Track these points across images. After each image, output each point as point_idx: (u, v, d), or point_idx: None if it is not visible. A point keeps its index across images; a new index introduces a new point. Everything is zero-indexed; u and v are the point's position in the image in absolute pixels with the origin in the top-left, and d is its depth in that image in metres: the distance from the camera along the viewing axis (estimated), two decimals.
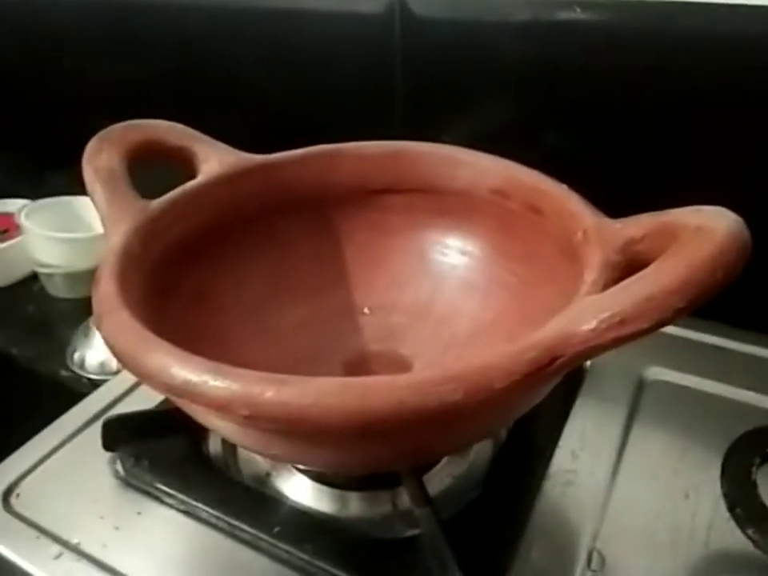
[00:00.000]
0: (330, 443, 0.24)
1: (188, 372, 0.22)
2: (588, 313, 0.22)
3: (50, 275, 0.61)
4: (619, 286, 0.23)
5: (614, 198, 0.41)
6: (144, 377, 0.24)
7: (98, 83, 0.66)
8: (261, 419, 0.22)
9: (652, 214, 0.27)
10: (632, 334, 0.21)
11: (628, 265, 0.27)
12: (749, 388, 0.37)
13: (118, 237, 0.31)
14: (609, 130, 0.45)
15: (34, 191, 0.66)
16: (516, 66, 0.46)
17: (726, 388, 0.38)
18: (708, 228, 0.22)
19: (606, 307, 0.22)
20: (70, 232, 0.59)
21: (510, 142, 0.49)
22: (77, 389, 0.51)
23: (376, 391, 0.21)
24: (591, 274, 0.26)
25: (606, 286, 0.26)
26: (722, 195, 0.40)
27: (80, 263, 0.59)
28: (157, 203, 0.34)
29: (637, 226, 0.27)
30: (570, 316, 0.23)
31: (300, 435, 0.23)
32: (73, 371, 0.52)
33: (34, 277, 0.63)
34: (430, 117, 0.51)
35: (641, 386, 0.39)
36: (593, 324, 0.22)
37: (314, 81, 0.54)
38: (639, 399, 0.38)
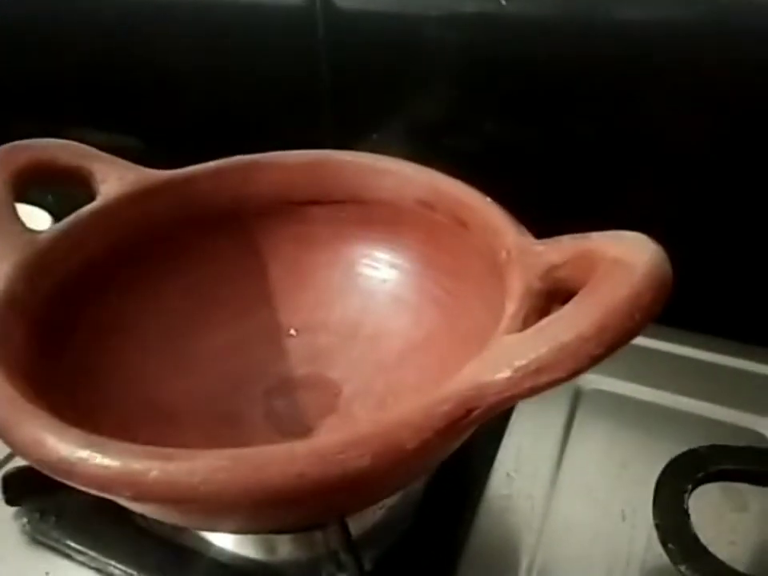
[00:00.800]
0: (227, 515, 0.22)
1: (63, 448, 0.20)
2: (503, 360, 0.21)
3: None
4: (536, 328, 0.21)
5: (551, 194, 0.40)
6: (17, 450, 0.21)
7: (27, 77, 0.61)
8: (147, 500, 0.19)
9: (574, 237, 0.25)
10: (548, 383, 0.20)
11: (550, 292, 0.25)
12: (692, 396, 0.37)
13: None
14: (544, 122, 0.44)
15: None
16: (443, 57, 0.44)
17: (667, 396, 0.37)
18: (626, 263, 0.21)
19: (522, 354, 0.20)
20: None
21: (442, 136, 0.47)
22: None
23: (272, 463, 0.19)
24: (511, 304, 0.25)
25: (527, 318, 0.24)
26: (659, 192, 0.39)
27: None
28: (46, 235, 0.31)
29: (558, 251, 0.25)
30: (484, 362, 0.21)
31: (194, 510, 0.21)
32: None
33: None
34: (358, 113, 0.49)
35: (577, 396, 0.38)
36: (507, 373, 0.20)
37: (236, 79, 0.51)
38: (575, 410, 0.37)
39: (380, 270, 0.38)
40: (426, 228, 0.35)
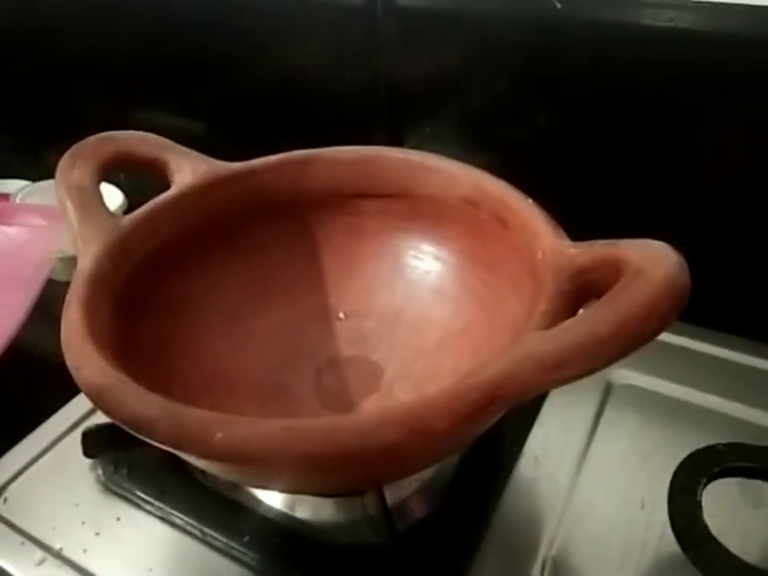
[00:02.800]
0: (279, 476, 0.25)
1: (141, 411, 0.24)
2: (527, 354, 0.23)
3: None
4: (560, 327, 0.24)
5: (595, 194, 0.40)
6: (103, 410, 0.25)
7: (97, 61, 0.65)
8: (211, 458, 0.23)
9: (605, 242, 0.27)
10: (567, 378, 0.22)
11: (579, 294, 0.27)
12: (717, 394, 0.38)
13: (88, 259, 0.31)
14: (595, 120, 0.45)
15: (33, 172, 0.67)
16: (501, 56, 0.45)
17: (694, 393, 0.38)
18: (647, 272, 0.23)
19: (544, 350, 0.22)
20: None
21: (496, 134, 0.49)
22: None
23: (318, 435, 0.22)
24: (543, 303, 0.27)
25: (556, 316, 0.26)
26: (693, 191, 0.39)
27: None
28: (127, 220, 0.34)
29: (589, 255, 0.27)
30: (511, 355, 0.23)
31: (250, 469, 0.24)
32: None
33: None
34: (413, 107, 0.51)
35: (608, 390, 0.39)
36: (530, 366, 0.22)
37: (295, 74, 0.54)
38: (605, 403, 0.39)
39: (424, 261, 0.40)
40: (469, 225, 0.37)
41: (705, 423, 0.36)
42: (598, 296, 0.27)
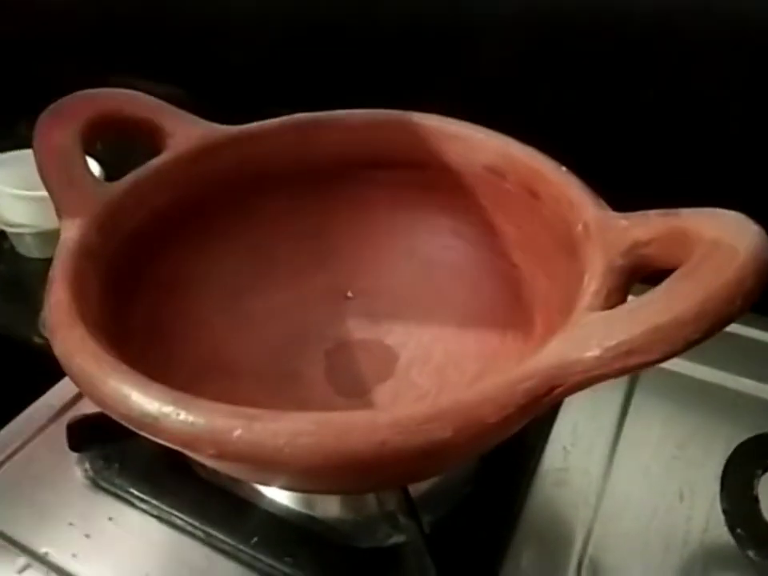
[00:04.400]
0: (305, 476, 0.22)
1: (148, 404, 0.20)
2: (592, 338, 0.20)
3: (19, 234, 0.58)
4: (626, 308, 0.21)
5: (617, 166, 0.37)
6: (100, 405, 0.21)
7: (74, 22, 0.60)
8: (229, 458, 0.20)
9: (662, 212, 0.24)
10: (639, 365, 0.19)
11: (632, 269, 0.24)
12: (751, 377, 0.36)
13: (73, 231, 0.28)
14: (611, 88, 0.42)
15: (2, 142, 0.62)
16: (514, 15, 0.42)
17: (726, 376, 0.36)
18: (727, 245, 0.20)
19: (612, 334, 0.20)
20: (42, 188, 0.55)
21: (507, 100, 0.45)
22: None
23: (355, 430, 0.19)
24: (593, 281, 0.24)
25: (609, 295, 0.23)
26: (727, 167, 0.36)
27: (52, 222, 0.55)
28: (115, 188, 0.30)
29: (645, 227, 0.24)
30: (570, 340, 0.21)
31: (273, 470, 0.21)
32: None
33: (2, 236, 0.60)
34: (421, 73, 0.48)
35: (636, 374, 0.37)
36: (597, 352, 0.20)
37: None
38: (634, 388, 0.36)
39: (442, 237, 0.37)
40: (493, 196, 0.34)
41: (741, 409, 0.34)
42: (651, 273, 0.25)
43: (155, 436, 0.20)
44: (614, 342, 0.19)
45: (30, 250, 0.58)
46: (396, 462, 0.19)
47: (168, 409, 0.20)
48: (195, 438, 0.20)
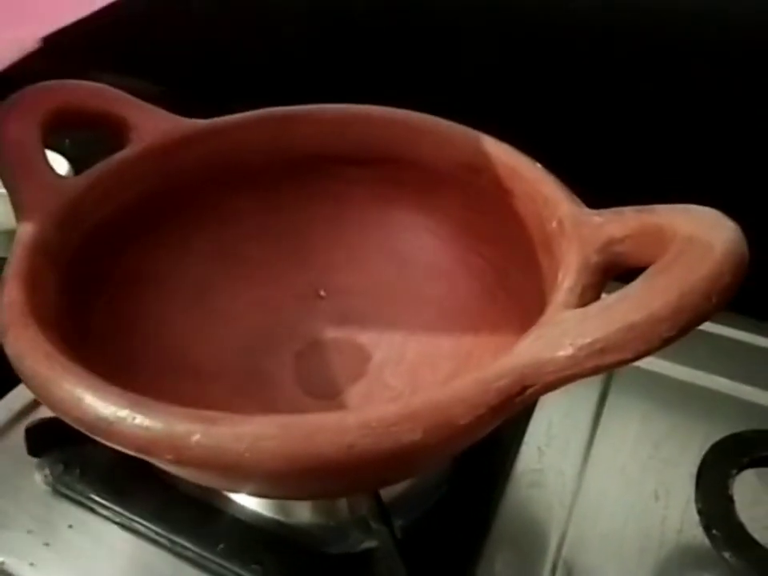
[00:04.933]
0: (268, 481, 0.21)
1: (102, 407, 0.19)
2: (565, 336, 0.20)
3: None
4: (601, 305, 0.20)
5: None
6: (53, 408, 0.20)
7: None
8: (188, 464, 0.19)
9: (636, 209, 0.24)
10: (613, 363, 0.19)
11: (606, 266, 0.24)
12: (727, 376, 0.36)
13: (30, 226, 0.27)
14: (585, 87, 0.42)
15: None
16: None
17: (702, 375, 0.36)
18: (702, 241, 0.19)
19: (586, 332, 0.19)
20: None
21: (487, 98, 0.45)
22: None
23: (322, 433, 0.18)
24: (567, 277, 0.23)
25: (584, 292, 0.23)
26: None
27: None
28: (76, 182, 0.29)
29: (619, 223, 0.24)
30: (543, 338, 0.20)
31: (235, 476, 0.20)
32: None
33: None
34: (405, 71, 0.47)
35: (611, 372, 0.37)
36: (569, 351, 0.19)
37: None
38: (609, 386, 0.36)
39: (415, 234, 0.36)
40: (467, 193, 0.33)
41: (716, 408, 0.34)
42: (625, 270, 0.24)
43: (110, 441, 0.19)
44: (587, 340, 0.19)
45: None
46: (365, 465, 0.19)
47: (123, 413, 0.19)
48: (152, 443, 0.19)
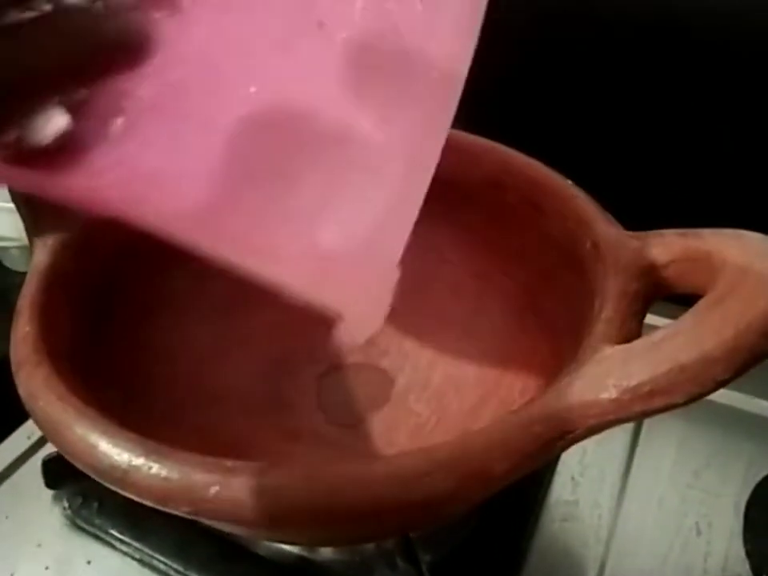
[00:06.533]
0: (291, 534, 0.20)
1: (117, 455, 0.18)
2: (608, 377, 0.18)
3: (5, 248, 0.56)
4: (647, 342, 0.19)
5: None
6: (66, 454, 0.19)
7: None
8: (206, 516, 0.18)
9: (679, 232, 0.22)
10: (661, 408, 0.18)
11: (647, 294, 0.22)
12: None
13: (45, 254, 0.26)
14: (620, 103, 0.40)
15: None
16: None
17: (744, 398, 0.34)
18: (757, 273, 0.18)
19: (631, 373, 0.18)
20: None
21: (512, 111, 0.43)
22: None
23: (348, 485, 0.17)
24: (605, 307, 0.22)
25: (623, 323, 0.21)
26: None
27: None
28: None
29: (662, 247, 0.22)
30: (584, 378, 0.19)
31: (256, 527, 0.19)
32: None
33: None
34: None
35: None
36: (613, 393, 0.18)
37: None
38: None
39: (439, 253, 0.35)
40: (493, 210, 0.32)
41: (760, 433, 0.32)
42: (666, 297, 0.23)
43: (125, 490, 0.18)
44: (633, 383, 0.18)
45: (16, 263, 0.56)
46: (393, 516, 0.18)
47: (139, 461, 0.18)
48: (168, 495, 0.18)
